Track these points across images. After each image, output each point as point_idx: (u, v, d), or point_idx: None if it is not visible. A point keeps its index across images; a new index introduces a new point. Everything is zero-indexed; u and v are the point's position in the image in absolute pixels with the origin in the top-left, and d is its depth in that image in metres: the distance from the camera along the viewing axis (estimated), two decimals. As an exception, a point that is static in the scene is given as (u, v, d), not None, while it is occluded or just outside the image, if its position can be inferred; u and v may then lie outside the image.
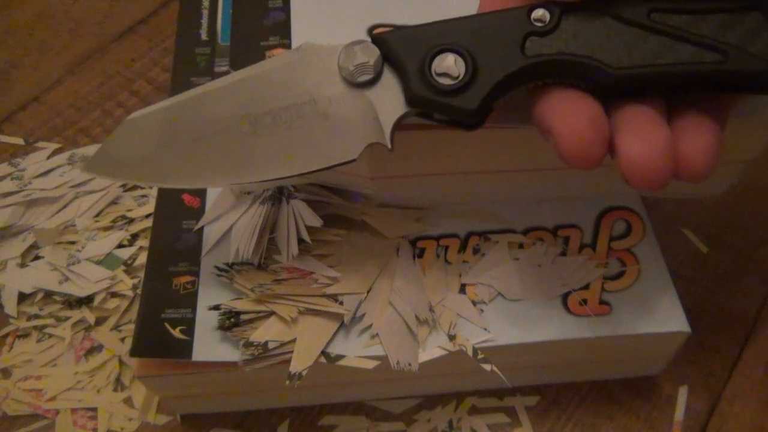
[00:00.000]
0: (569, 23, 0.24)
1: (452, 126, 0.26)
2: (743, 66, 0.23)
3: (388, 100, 0.26)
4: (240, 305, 0.31)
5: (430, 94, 0.25)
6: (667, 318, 0.32)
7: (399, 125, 0.26)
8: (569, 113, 0.23)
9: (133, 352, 0.30)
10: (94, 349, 0.37)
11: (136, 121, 0.28)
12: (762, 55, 0.23)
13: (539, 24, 0.24)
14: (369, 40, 0.26)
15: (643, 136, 0.23)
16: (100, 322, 0.38)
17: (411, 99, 0.25)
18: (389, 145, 0.26)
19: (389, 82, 0.26)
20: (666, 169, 0.23)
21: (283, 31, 0.34)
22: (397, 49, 0.25)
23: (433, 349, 0.31)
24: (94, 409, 0.35)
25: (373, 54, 0.26)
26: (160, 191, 0.36)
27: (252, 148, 0.27)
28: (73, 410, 0.35)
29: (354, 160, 0.26)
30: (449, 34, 0.25)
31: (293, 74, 0.27)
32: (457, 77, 0.24)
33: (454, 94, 0.25)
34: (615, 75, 0.24)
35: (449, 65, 0.24)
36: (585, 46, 0.24)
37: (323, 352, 0.30)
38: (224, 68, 0.41)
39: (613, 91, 0.24)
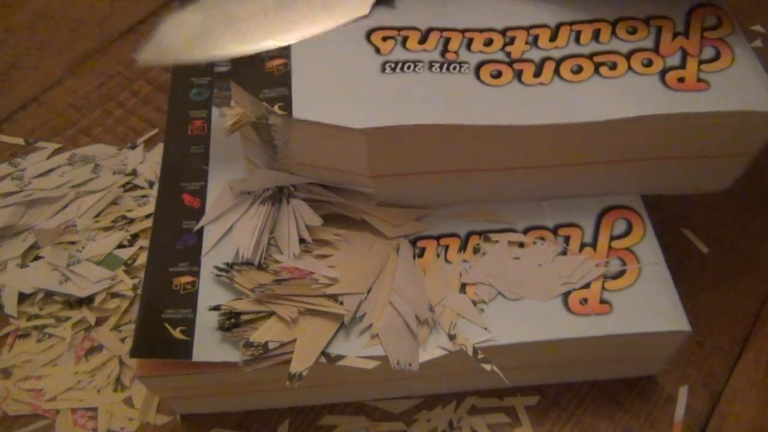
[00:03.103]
0: None
1: None
2: None
3: None
4: (240, 306, 0.31)
5: None
6: (667, 317, 0.32)
7: None
8: None
9: (133, 353, 0.30)
10: (94, 349, 0.37)
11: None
12: None
13: None
14: None
15: None
16: (100, 322, 0.38)
17: None
18: None
19: None
20: None
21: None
22: None
23: (433, 349, 0.31)
24: (94, 409, 0.35)
25: None
26: (161, 191, 0.36)
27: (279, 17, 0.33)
28: (73, 410, 0.35)
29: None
30: None
31: None
32: None
33: None
34: None
35: None
36: None
37: (323, 352, 0.30)
38: (224, 68, 0.41)
39: None
